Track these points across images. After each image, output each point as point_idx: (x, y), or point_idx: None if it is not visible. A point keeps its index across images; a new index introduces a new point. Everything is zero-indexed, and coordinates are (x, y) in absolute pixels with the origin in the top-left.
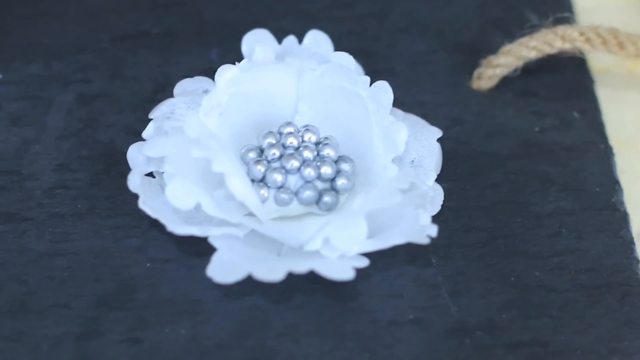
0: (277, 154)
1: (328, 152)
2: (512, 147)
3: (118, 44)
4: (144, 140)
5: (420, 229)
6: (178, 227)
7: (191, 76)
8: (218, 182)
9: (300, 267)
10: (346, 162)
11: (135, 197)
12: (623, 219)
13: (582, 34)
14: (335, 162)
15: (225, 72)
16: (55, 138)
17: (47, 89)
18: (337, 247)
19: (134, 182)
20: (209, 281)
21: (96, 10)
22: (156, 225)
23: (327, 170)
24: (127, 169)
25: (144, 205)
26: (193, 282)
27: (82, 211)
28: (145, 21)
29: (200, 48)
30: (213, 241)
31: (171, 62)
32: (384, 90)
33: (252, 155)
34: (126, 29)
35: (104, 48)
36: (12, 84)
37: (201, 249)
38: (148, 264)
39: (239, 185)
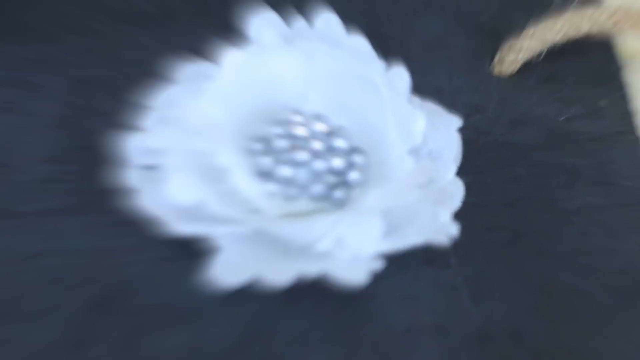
0: (285, 145)
1: (339, 142)
2: (537, 138)
3: (114, 25)
4: (142, 130)
5: (439, 227)
6: (178, 225)
7: (192, 60)
8: (221, 176)
9: (310, 269)
10: (359, 153)
11: (132, 192)
12: None
13: (610, 16)
14: (347, 153)
15: (230, 57)
16: (47, 127)
17: (38, 74)
18: (351, 247)
19: (131, 175)
20: (211, 283)
21: None
22: (155, 223)
23: (338, 162)
24: (123, 162)
25: (142, 201)
26: (194, 284)
27: (75, 207)
28: (142, 1)
29: (201, 30)
30: (216, 240)
31: (171, 44)
32: (400, 76)
33: (258, 146)
34: (123, 9)
35: (99, 30)
36: (1, 68)
37: (203, 248)
38: (146, 265)
39: (244, 180)
